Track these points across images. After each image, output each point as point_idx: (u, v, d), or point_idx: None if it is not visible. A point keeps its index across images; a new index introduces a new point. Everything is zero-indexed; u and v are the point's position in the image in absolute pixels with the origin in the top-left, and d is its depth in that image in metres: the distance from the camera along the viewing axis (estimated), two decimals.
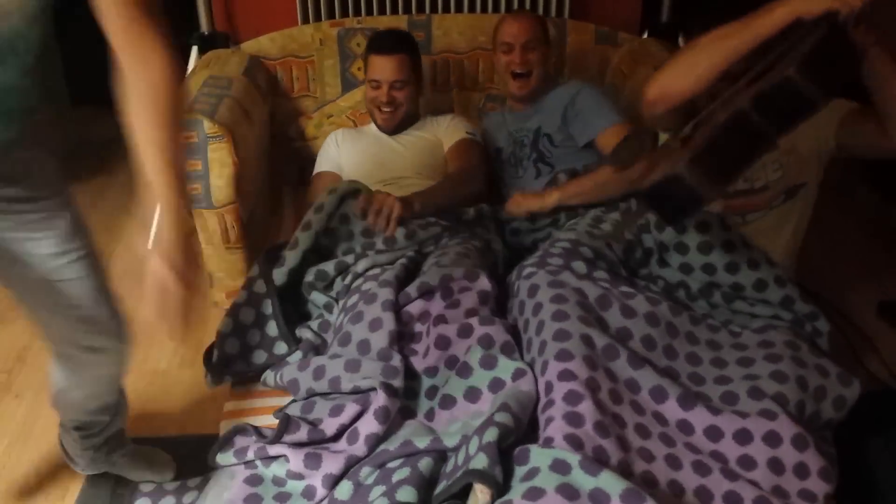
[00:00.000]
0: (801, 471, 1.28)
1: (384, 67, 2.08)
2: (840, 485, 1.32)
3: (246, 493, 1.32)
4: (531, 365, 1.40)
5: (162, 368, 1.98)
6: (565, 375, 1.30)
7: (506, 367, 1.39)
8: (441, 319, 1.53)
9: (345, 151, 2.21)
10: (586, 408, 1.25)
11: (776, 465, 1.28)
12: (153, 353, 2.03)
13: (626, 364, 1.38)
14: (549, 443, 1.21)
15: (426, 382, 1.49)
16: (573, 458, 1.13)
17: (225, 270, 2.04)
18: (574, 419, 1.23)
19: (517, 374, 1.38)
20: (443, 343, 1.49)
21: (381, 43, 2.12)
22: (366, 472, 1.28)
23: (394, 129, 2.19)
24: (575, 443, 1.19)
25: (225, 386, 1.70)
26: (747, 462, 1.28)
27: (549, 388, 1.31)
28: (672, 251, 1.67)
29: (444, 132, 2.22)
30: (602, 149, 1.99)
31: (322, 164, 2.23)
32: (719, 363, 1.47)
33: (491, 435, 1.17)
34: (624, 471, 1.18)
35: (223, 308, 2.13)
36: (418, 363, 1.51)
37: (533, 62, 2.08)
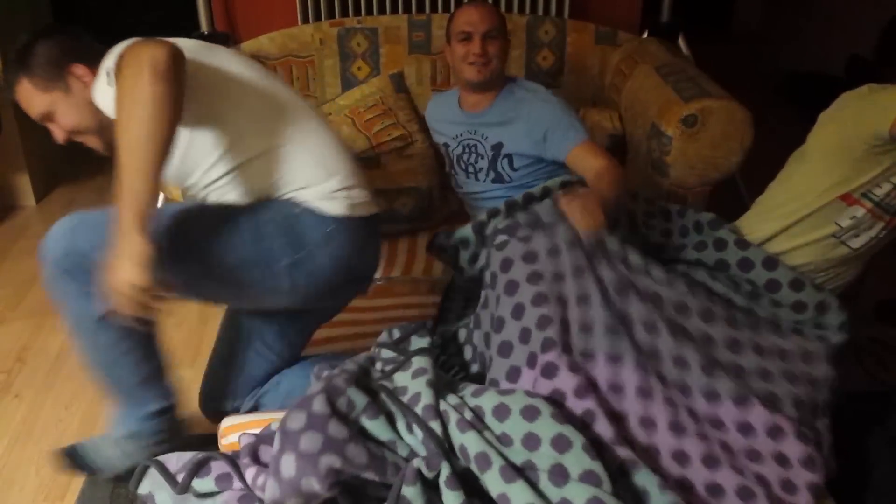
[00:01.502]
0: (782, 460, 1.28)
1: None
2: (838, 480, 1.32)
3: (240, 493, 1.31)
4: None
5: None
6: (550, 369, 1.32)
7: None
8: None
9: None
10: (563, 378, 1.28)
11: (755, 455, 1.28)
12: None
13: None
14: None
15: None
16: (542, 403, 1.21)
17: None
18: (549, 370, 1.29)
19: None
20: None
21: None
22: None
23: None
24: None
25: None
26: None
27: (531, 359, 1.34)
28: (711, 248, 1.68)
29: None
30: (573, 166, 1.85)
31: None
32: (721, 346, 1.44)
33: None
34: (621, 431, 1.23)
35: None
36: None
37: (492, 54, 1.93)
